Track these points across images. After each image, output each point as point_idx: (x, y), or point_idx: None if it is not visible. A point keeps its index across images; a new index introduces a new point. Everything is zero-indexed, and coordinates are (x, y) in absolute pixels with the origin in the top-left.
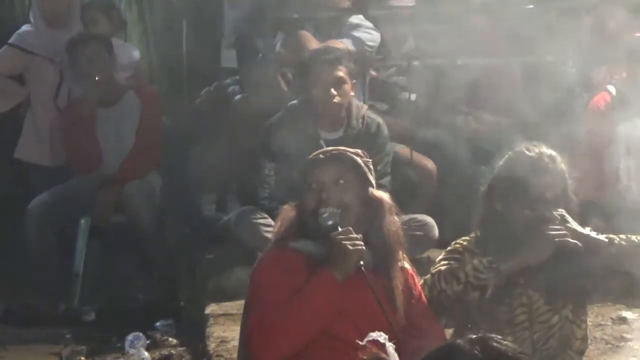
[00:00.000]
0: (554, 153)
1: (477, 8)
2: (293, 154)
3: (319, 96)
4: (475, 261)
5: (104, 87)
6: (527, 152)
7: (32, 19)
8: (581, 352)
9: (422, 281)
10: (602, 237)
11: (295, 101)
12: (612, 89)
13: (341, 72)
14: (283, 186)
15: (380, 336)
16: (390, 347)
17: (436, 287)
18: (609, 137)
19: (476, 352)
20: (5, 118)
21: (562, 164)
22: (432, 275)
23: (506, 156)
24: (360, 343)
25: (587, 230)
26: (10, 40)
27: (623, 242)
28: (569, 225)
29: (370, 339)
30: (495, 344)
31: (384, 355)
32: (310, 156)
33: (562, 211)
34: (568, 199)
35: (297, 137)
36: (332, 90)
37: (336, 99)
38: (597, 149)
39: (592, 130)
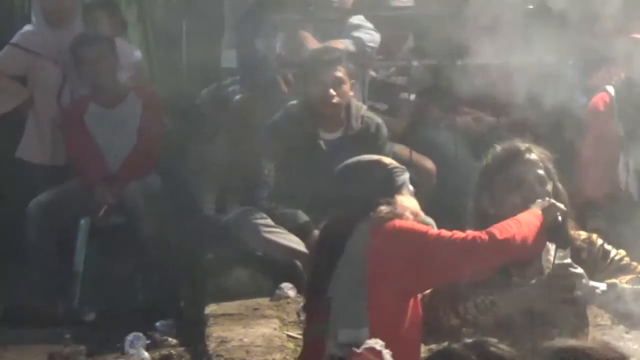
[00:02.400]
0: (531, 145)
1: (477, 8)
2: (292, 154)
3: (318, 96)
4: (478, 300)
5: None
6: (501, 145)
7: (33, 19)
8: None
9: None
10: (604, 285)
11: (294, 101)
12: (610, 89)
13: (340, 73)
14: (283, 186)
15: (377, 343)
16: (387, 354)
17: (432, 309)
18: (609, 137)
19: (473, 357)
20: (7, 118)
21: (541, 154)
22: (433, 294)
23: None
24: (357, 350)
25: (592, 283)
26: (13, 40)
27: (625, 289)
28: (584, 283)
29: (367, 346)
30: (492, 348)
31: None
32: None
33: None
34: (557, 191)
35: (296, 137)
36: (331, 90)
37: (335, 100)
38: (597, 149)
39: (591, 131)
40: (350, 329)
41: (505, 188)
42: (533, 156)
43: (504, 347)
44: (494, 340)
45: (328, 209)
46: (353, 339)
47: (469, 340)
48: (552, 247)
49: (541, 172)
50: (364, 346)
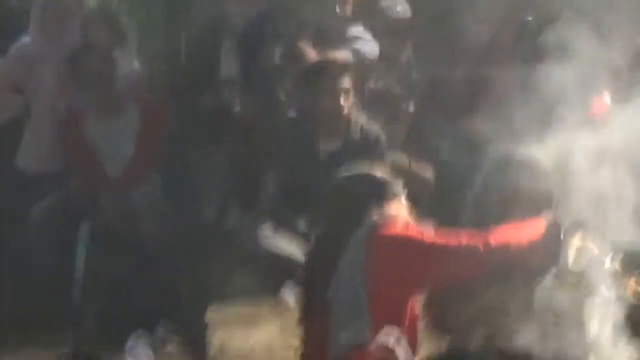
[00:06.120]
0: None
1: (476, 18)
2: (292, 165)
3: (329, 106)
4: (487, 296)
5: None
6: (516, 152)
7: (31, 28)
8: None
9: None
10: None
11: (294, 111)
12: (607, 96)
13: (347, 83)
14: (283, 194)
15: (389, 338)
16: (400, 349)
17: (441, 304)
18: (605, 146)
19: (490, 351)
20: (6, 127)
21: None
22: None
23: (493, 158)
24: (370, 345)
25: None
26: (10, 51)
27: None
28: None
29: (380, 340)
30: (506, 342)
31: (393, 357)
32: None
33: None
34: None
35: (296, 147)
36: (342, 101)
37: (345, 111)
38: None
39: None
40: (351, 330)
41: (515, 197)
42: (547, 168)
43: (516, 341)
44: (504, 337)
45: (321, 218)
46: (355, 340)
47: (480, 340)
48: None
49: (551, 186)
50: (376, 340)
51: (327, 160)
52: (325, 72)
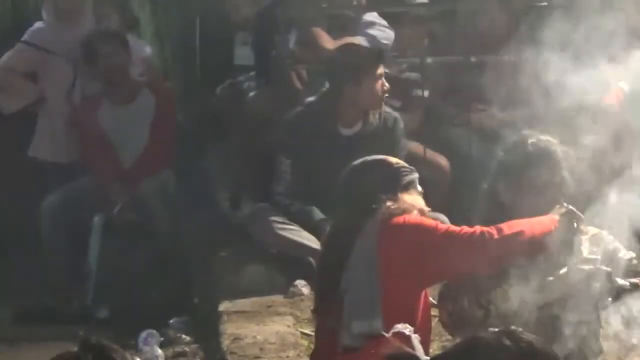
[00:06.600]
0: (557, 143)
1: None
2: (310, 150)
3: (374, 91)
4: (500, 290)
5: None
6: (529, 139)
7: (44, 16)
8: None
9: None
10: (627, 281)
11: (313, 97)
12: (624, 85)
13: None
14: (299, 182)
15: (406, 328)
16: (415, 339)
17: (457, 301)
18: (621, 134)
19: (507, 343)
20: (19, 116)
21: (564, 153)
22: (457, 287)
23: (507, 146)
24: (386, 335)
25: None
26: (24, 38)
27: None
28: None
29: (396, 330)
30: (522, 335)
31: (408, 349)
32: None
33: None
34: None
35: (314, 133)
36: (386, 84)
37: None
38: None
39: (604, 127)
40: (364, 320)
41: (529, 185)
42: (560, 156)
43: (530, 335)
44: (519, 329)
45: (336, 207)
46: (367, 329)
47: (495, 329)
48: (577, 241)
49: (565, 174)
50: (392, 330)
51: (346, 145)
52: (371, 56)
